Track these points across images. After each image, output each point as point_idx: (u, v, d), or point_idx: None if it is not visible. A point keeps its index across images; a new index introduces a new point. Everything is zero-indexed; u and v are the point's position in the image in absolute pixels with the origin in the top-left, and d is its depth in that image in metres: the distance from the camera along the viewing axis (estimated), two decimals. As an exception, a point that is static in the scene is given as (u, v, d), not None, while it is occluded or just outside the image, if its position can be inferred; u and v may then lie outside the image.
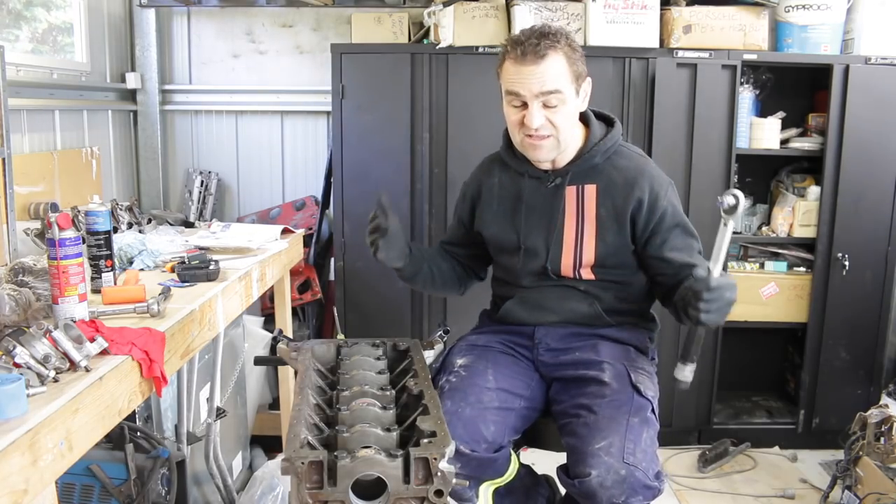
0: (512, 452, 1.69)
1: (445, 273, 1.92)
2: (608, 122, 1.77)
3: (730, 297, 1.48)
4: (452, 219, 2.00)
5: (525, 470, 1.79)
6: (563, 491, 1.85)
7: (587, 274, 1.73)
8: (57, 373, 1.23)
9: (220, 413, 2.35)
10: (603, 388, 1.63)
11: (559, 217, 1.72)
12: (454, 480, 1.14)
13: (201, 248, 2.21)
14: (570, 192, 1.72)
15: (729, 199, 1.48)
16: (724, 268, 1.44)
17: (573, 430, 1.59)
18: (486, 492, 1.63)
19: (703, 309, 1.46)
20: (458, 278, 1.95)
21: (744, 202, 1.50)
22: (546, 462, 2.39)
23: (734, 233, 3.06)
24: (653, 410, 1.64)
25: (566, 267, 1.73)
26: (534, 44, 1.57)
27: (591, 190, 1.71)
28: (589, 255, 1.71)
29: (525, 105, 1.61)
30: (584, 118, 1.75)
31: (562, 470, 1.59)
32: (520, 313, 1.79)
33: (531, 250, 1.75)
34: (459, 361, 1.75)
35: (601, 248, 1.71)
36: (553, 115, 1.61)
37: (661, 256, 1.72)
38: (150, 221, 2.63)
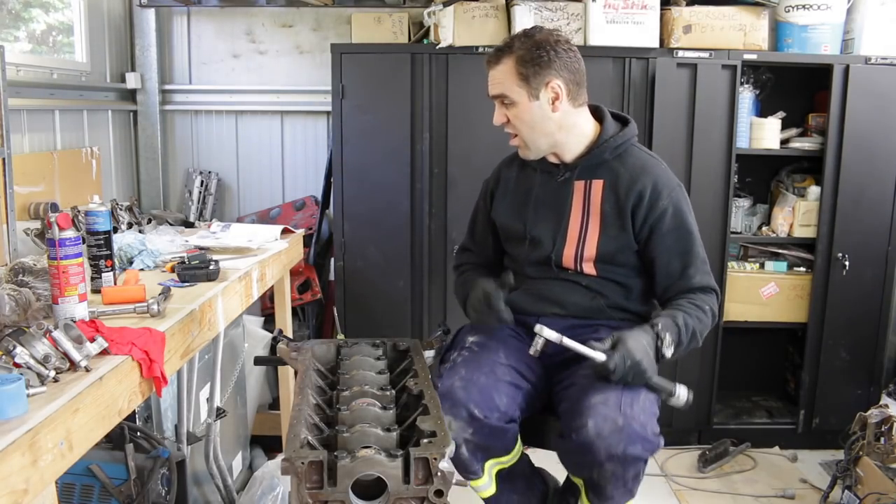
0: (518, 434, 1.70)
1: None
2: (624, 122, 1.81)
3: (634, 368, 1.54)
4: (477, 225, 2.00)
5: (526, 458, 1.81)
6: (560, 484, 1.86)
7: (589, 268, 1.76)
8: (57, 373, 1.23)
9: (220, 413, 2.35)
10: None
11: (566, 210, 1.77)
12: (454, 480, 1.14)
13: (201, 248, 2.21)
14: (579, 186, 1.77)
15: (539, 345, 1.60)
16: (613, 345, 1.57)
17: (569, 396, 1.62)
18: (490, 470, 1.64)
19: (628, 379, 1.55)
20: None
21: (553, 337, 1.60)
22: (546, 463, 2.39)
23: (734, 232, 3.09)
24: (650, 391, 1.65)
25: (568, 258, 1.76)
26: (492, 51, 1.71)
27: (598, 185, 1.76)
28: (591, 248, 1.74)
29: None
30: (599, 116, 1.80)
31: (557, 437, 1.61)
32: (524, 303, 1.82)
33: (536, 240, 1.80)
34: (471, 338, 1.79)
35: (604, 242, 1.74)
36: (511, 116, 1.72)
37: (653, 258, 1.74)
38: (150, 221, 2.63)
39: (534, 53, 1.66)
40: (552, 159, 1.79)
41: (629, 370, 1.54)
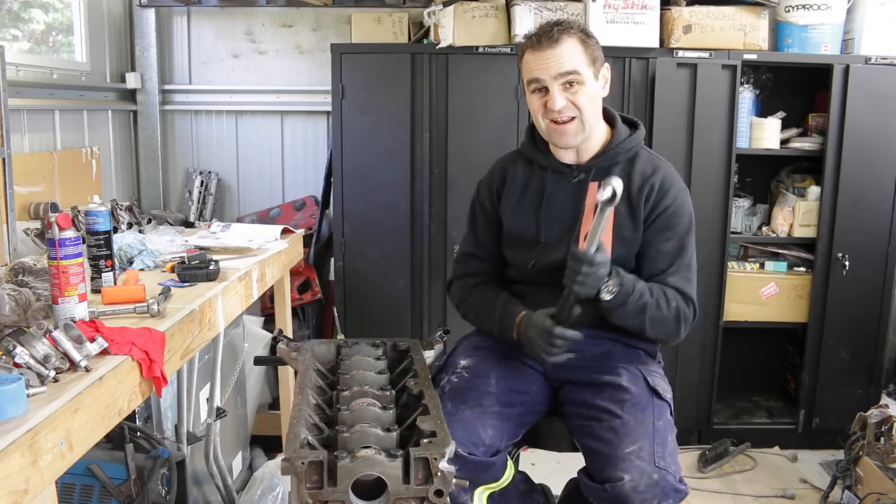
0: (508, 458, 1.69)
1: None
2: (633, 125, 1.81)
3: (604, 272, 1.53)
4: (479, 228, 1.88)
5: (521, 476, 1.79)
6: (556, 498, 1.86)
7: None
8: (57, 373, 1.23)
9: (220, 413, 2.35)
10: (622, 392, 1.63)
11: (581, 212, 1.73)
12: (454, 481, 1.14)
13: (201, 248, 2.21)
14: (593, 187, 1.74)
15: (607, 192, 1.49)
16: (599, 248, 1.52)
17: (596, 434, 1.58)
18: (480, 496, 1.63)
19: (580, 281, 1.51)
20: None
21: (620, 194, 1.51)
22: (546, 463, 2.39)
23: (734, 232, 3.09)
24: (671, 412, 1.65)
25: None
26: (547, 31, 1.65)
27: None
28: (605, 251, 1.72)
29: (546, 90, 1.66)
30: (610, 119, 1.78)
31: (584, 473, 1.58)
32: None
33: (550, 244, 1.75)
34: (462, 362, 1.75)
35: (618, 244, 1.71)
36: (574, 97, 1.65)
37: (643, 252, 1.72)
38: (150, 221, 2.63)
39: (590, 34, 1.68)
40: (567, 158, 1.76)
41: (599, 278, 1.53)
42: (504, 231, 1.83)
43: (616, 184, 1.47)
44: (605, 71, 1.72)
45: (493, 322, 1.76)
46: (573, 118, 1.66)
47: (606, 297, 1.57)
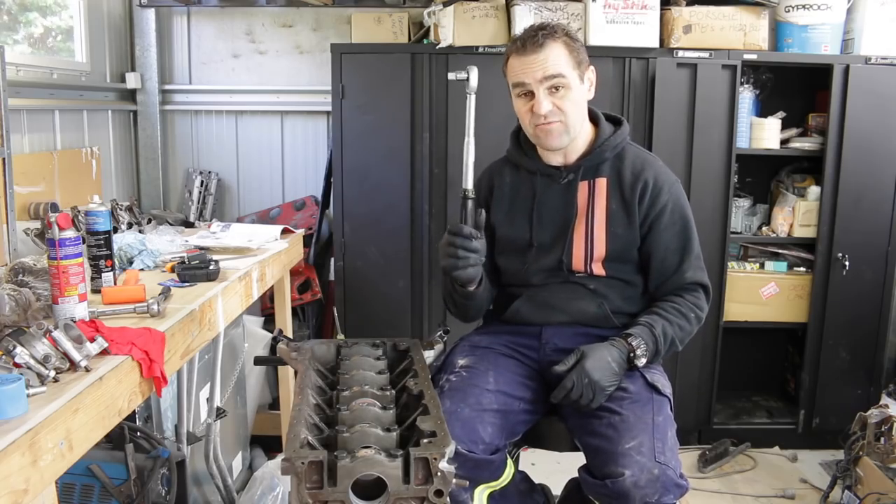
0: (508, 457, 1.69)
1: (490, 292, 1.87)
2: (616, 122, 1.82)
3: (592, 386, 1.58)
4: None
5: (521, 476, 1.79)
6: (557, 499, 1.86)
7: (598, 269, 1.75)
8: (57, 373, 1.23)
9: (220, 413, 2.35)
10: (620, 391, 1.63)
11: (573, 212, 1.75)
12: (454, 481, 1.14)
13: (201, 248, 2.21)
14: (583, 186, 1.76)
15: (461, 74, 1.71)
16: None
17: (596, 431, 1.59)
18: (480, 495, 1.63)
19: (583, 400, 1.59)
20: (491, 297, 1.90)
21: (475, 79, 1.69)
22: (546, 463, 2.39)
23: (734, 232, 3.09)
24: (671, 408, 1.66)
25: (577, 260, 1.75)
26: (532, 35, 1.67)
27: (601, 183, 1.75)
28: (600, 248, 1.74)
29: (532, 94, 1.68)
30: (594, 118, 1.80)
31: (584, 471, 1.59)
32: (528, 313, 1.79)
33: (543, 247, 1.77)
34: (461, 362, 1.75)
35: (611, 241, 1.73)
36: (559, 101, 1.67)
37: (651, 253, 1.74)
38: (150, 221, 2.63)
39: (574, 38, 1.69)
40: (555, 161, 1.77)
41: (586, 388, 1.57)
42: (497, 239, 1.84)
43: (470, 70, 1.66)
44: (591, 73, 1.73)
45: (447, 291, 1.81)
46: (558, 121, 1.68)
47: (642, 361, 1.65)
